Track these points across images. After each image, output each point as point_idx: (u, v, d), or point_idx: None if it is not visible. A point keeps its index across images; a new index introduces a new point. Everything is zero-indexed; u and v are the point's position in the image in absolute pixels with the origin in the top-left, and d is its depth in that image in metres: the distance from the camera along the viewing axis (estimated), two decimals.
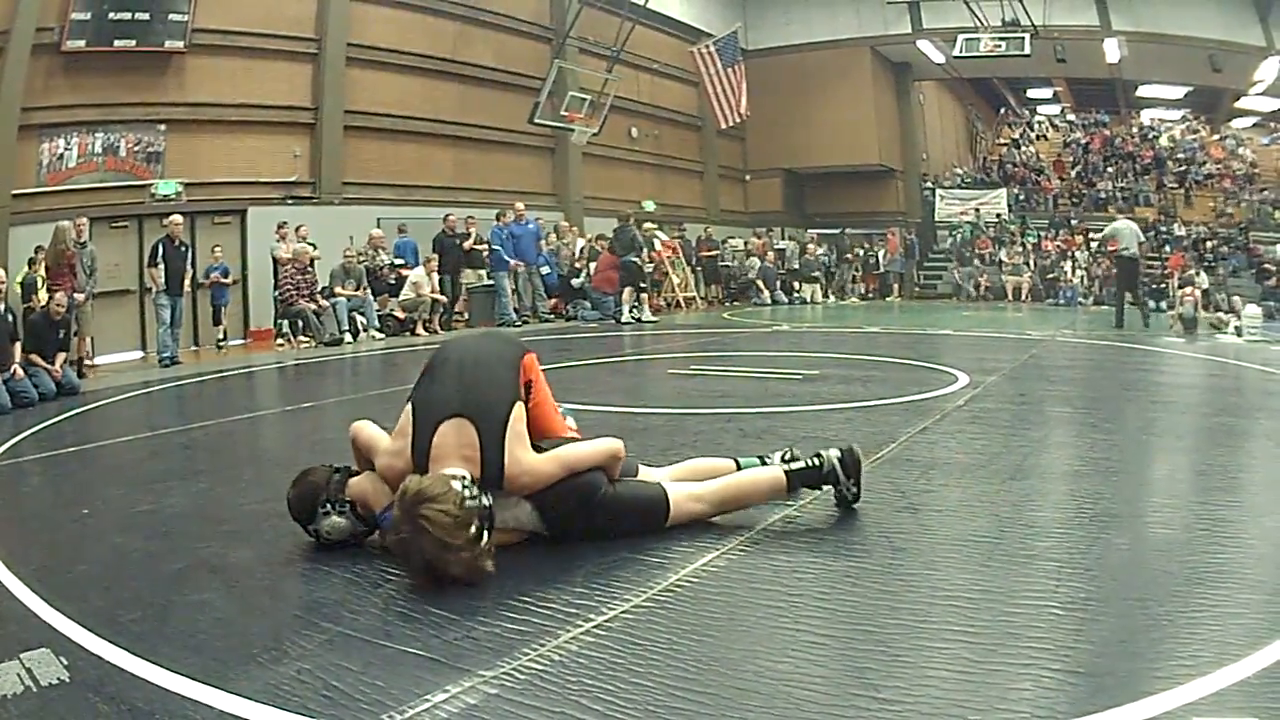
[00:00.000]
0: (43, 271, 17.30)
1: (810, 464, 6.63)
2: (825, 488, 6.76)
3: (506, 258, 27.65)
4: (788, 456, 6.94)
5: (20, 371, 14.60)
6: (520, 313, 27.77)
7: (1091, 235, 39.77)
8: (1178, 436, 10.25)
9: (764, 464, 6.94)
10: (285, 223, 24.12)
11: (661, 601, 5.14)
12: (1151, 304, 32.74)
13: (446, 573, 5.40)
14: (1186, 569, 5.47)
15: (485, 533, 5.45)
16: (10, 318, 15.05)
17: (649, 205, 37.58)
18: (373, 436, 6.46)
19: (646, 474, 6.74)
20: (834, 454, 6.64)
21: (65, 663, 4.57)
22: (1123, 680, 4.05)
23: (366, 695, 4.13)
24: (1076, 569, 5.54)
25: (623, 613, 4.99)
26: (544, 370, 6.67)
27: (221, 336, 23.46)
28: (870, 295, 39.96)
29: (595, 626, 4.81)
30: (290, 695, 4.16)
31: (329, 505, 6.07)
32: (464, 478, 5.55)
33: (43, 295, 16.71)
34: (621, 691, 4.10)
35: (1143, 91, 48.62)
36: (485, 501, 5.51)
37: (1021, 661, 4.25)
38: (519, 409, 6.12)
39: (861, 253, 41.16)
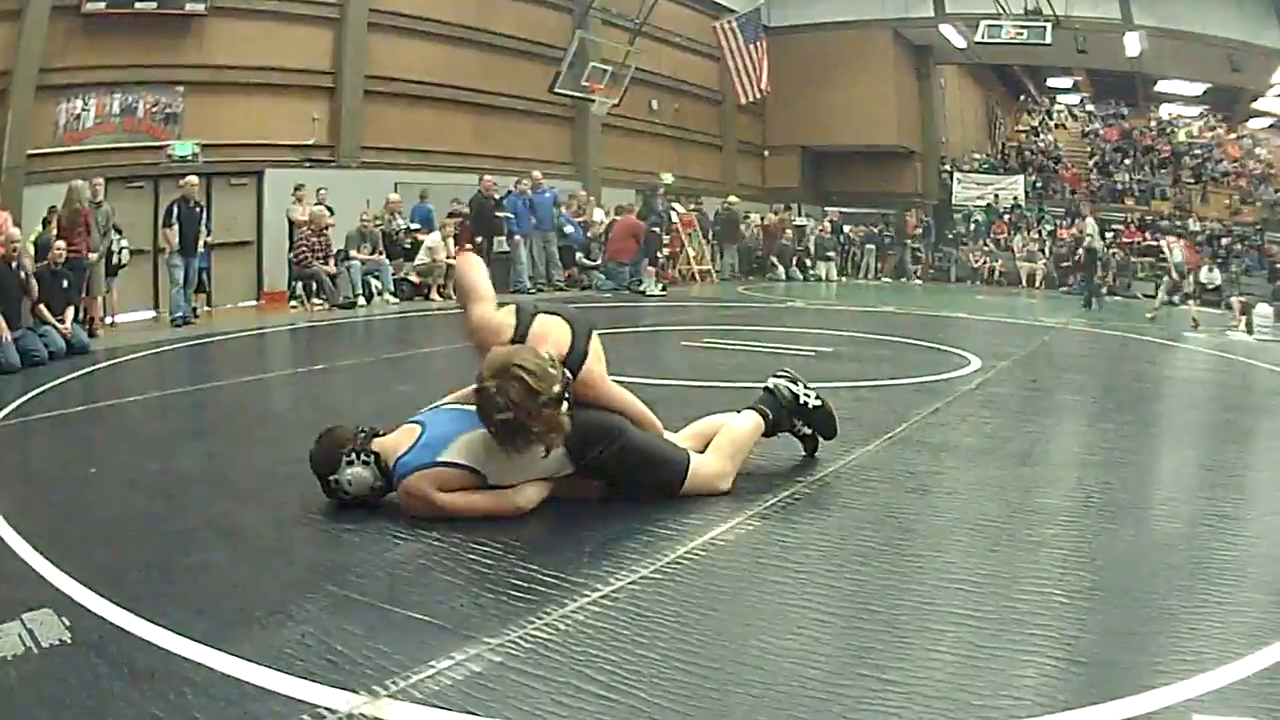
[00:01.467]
0: (55, 230, 17.26)
1: (783, 400, 7.16)
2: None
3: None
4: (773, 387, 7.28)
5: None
6: (535, 280, 27.72)
7: (1111, 225, 39.90)
8: (1186, 431, 10.29)
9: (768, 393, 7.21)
10: (302, 185, 24.04)
11: (669, 574, 5.15)
12: (1166, 296, 32.94)
13: (527, 426, 5.70)
14: (1191, 564, 5.49)
15: (565, 399, 5.76)
16: (23, 275, 15.03)
17: (667, 178, 37.51)
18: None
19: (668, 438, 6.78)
20: (804, 395, 7.24)
21: (67, 623, 4.57)
22: (1125, 672, 4.07)
23: (370, 660, 4.14)
24: (1082, 558, 5.57)
25: (630, 584, 5.00)
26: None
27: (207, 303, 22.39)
28: (884, 275, 39.90)
29: (602, 597, 4.82)
30: (293, 658, 4.16)
31: (354, 455, 6.10)
32: (552, 356, 5.91)
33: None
34: (625, 663, 4.11)
35: (1162, 86, 48.31)
36: (568, 375, 5.88)
37: (1025, 648, 4.26)
38: (597, 339, 6.54)
39: (920, 232, 41.11)
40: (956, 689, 3.89)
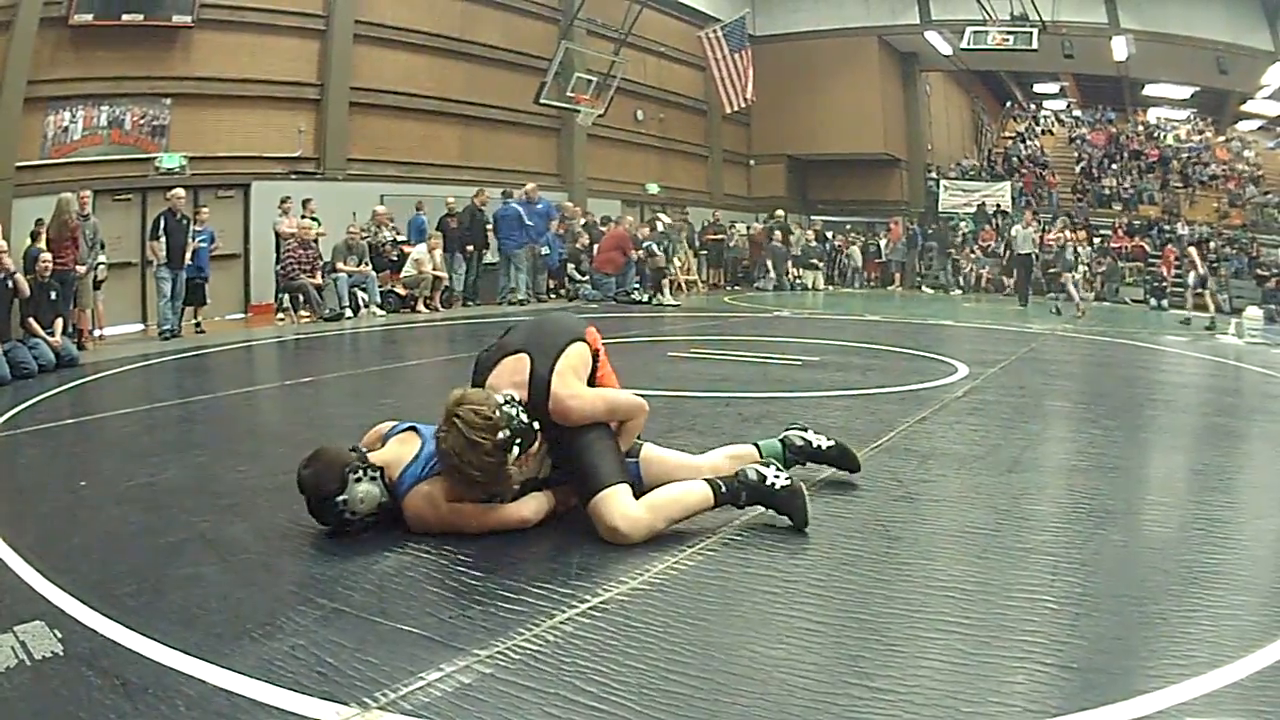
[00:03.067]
0: (43, 243, 17.25)
1: (744, 480, 6.19)
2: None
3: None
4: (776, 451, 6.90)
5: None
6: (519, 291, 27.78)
7: (1100, 229, 40.02)
8: (1175, 435, 10.27)
9: (784, 446, 6.96)
10: (289, 197, 24.10)
11: (657, 585, 5.16)
12: (1154, 301, 33.14)
13: (469, 475, 5.65)
14: (1182, 568, 5.50)
15: (516, 446, 5.67)
16: (10, 285, 15.05)
17: (653, 188, 37.60)
18: None
19: (683, 459, 6.66)
20: (773, 477, 6.22)
21: (59, 636, 4.58)
22: (1116, 678, 4.07)
23: (360, 673, 4.15)
24: (1072, 564, 5.56)
25: (618, 595, 5.01)
26: None
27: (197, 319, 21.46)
28: (873, 284, 39.95)
29: (590, 608, 4.83)
30: (284, 671, 4.17)
31: (360, 470, 5.92)
32: (510, 396, 5.83)
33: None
34: (615, 673, 4.13)
35: (1149, 90, 48.49)
36: (524, 419, 5.76)
37: (1015, 655, 4.28)
38: (580, 348, 6.36)
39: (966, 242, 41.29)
40: (945, 696, 3.90)
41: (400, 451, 6.13)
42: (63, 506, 7.18)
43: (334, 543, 5.88)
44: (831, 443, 7.14)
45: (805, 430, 7.15)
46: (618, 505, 5.88)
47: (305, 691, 4.00)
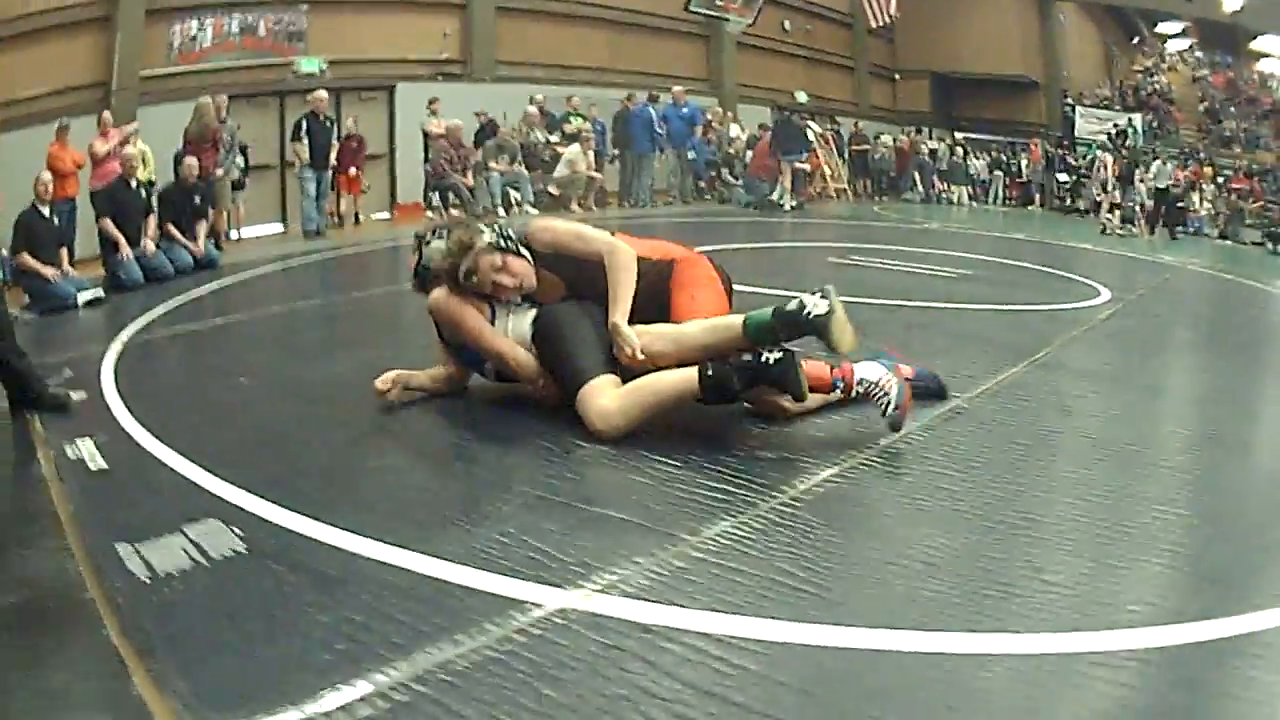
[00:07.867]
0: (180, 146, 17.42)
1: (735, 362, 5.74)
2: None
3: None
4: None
5: (152, 246, 14.70)
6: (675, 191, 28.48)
7: (1222, 168, 39.52)
8: None
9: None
10: (437, 99, 24.12)
11: (848, 478, 5.26)
12: (1270, 245, 32.80)
13: (451, 256, 6.21)
14: None
15: (499, 238, 6.26)
16: (144, 193, 15.33)
17: (801, 97, 37.39)
18: None
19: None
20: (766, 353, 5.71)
21: (240, 533, 4.56)
22: (1239, 592, 4.15)
23: (573, 556, 4.19)
24: (1206, 486, 5.65)
25: (814, 486, 5.10)
26: (701, 251, 6.59)
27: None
28: (1012, 202, 39.69)
29: (791, 498, 4.91)
30: (495, 557, 4.23)
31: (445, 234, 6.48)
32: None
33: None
34: (819, 559, 4.25)
35: (1258, 44, 47.85)
36: (507, 232, 6.37)
37: (1149, 562, 4.41)
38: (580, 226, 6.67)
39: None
40: (1095, 591, 4.09)
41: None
42: (223, 403, 7.24)
43: (526, 433, 5.90)
44: (823, 309, 5.76)
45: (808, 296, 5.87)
46: (592, 402, 5.87)
47: (519, 575, 4.05)
